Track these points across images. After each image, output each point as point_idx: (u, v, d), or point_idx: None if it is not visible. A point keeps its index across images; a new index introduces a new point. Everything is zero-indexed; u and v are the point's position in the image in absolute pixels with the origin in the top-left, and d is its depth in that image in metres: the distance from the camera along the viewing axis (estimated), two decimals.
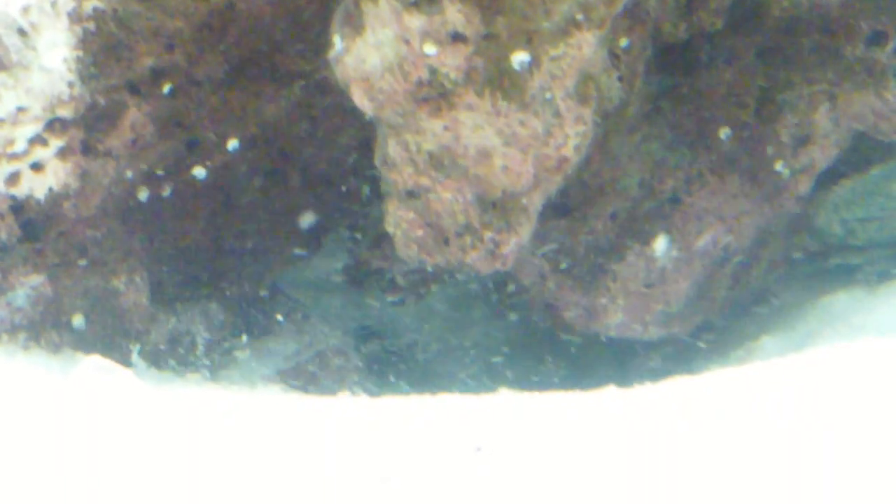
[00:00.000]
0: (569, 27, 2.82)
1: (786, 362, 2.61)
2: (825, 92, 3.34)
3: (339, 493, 2.17)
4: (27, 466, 2.26)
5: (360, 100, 2.95)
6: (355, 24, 2.90)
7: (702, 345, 3.64)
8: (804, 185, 3.48)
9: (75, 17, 3.05)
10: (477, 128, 2.91)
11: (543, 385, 3.32)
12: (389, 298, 3.86)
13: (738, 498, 2.03)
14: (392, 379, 3.97)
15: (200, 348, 3.56)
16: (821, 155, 3.43)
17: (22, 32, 3.04)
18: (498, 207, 3.03)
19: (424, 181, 3.01)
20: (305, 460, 2.30)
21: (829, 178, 3.67)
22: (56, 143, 3.14)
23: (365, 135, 3.24)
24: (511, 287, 3.61)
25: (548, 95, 2.90)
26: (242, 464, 2.30)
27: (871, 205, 3.84)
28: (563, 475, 2.17)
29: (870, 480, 2.03)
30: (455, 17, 2.79)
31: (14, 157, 3.14)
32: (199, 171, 3.35)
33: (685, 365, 3.41)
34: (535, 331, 3.82)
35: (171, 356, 3.49)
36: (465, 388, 3.75)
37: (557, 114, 2.92)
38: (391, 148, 3.02)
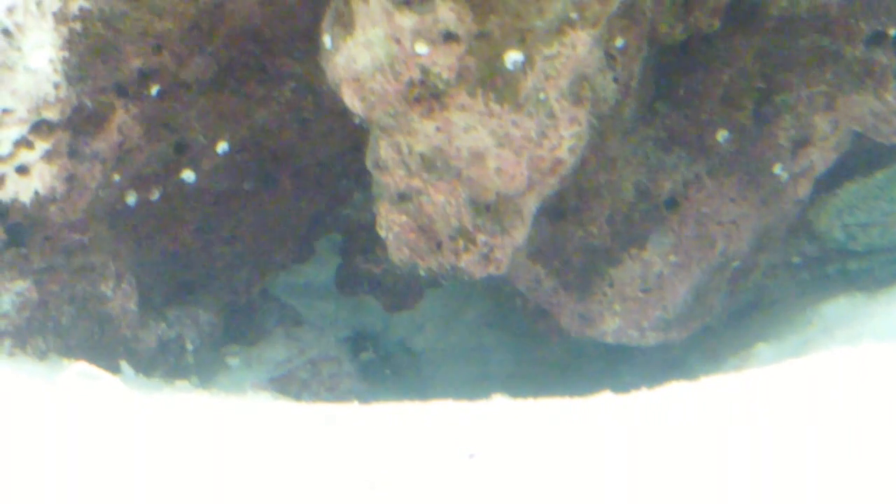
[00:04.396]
0: (563, 26, 2.78)
1: (783, 368, 2.58)
2: (824, 93, 3.31)
3: (327, 500, 2.13)
4: (8, 475, 2.22)
5: (350, 100, 2.91)
6: (346, 24, 2.86)
7: None
8: (803, 189, 3.45)
9: (61, 17, 3.02)
10: (470, 129, 2.88)
11: None
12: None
13: None
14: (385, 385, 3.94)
15: (190, 355, 3.53)
16: (820, 158, 3.40)
17: (6, 33, 3.00)
18: (491, 210, 3.00)
19: (416, 183, 2.98)
20: (294, 466, 2.28)
21: (832, 181, 3.64)
22: (42, 145, 3.11)
23: (357, 137, 3.21)
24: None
25: (542, 96, 2.86)
26: (230, 471, 2.26)
27: (874, 209, 3.80)
28: (558, 483, 2.14)
29: (868, 487, 2.00)
30: (447, 15, 2.75)
31: None
32: (188, 175, 3.32)
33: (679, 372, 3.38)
34: None
35: (160, 363, 3.45)
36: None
37: (551, 114, 2.88)
38: (383, 150, 2.98)
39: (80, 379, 2.84)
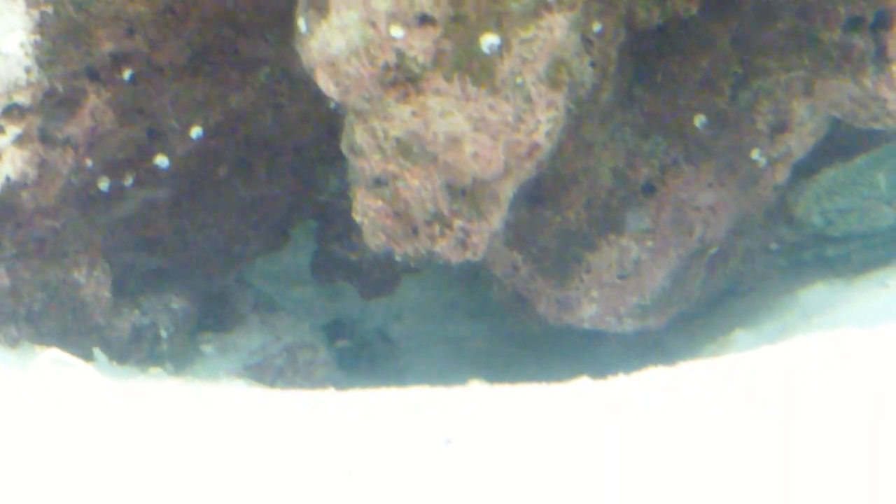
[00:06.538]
0: (539, 9, 2.77)
1: (761, 354, 2.57)
2: (802, 79, 3.30)
3: (302, 487, 2.12)
4: None
5: (325, 85, 2.90)
6: (320, 7, 2.85)
7: None
8: (781, 174, 3.44)
9: (32, 0, 2.99)
10: (446, 113, 2.86)
11: None
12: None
13: (709, 492, 1.99)
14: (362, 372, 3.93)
15: (164, 342, 3.51)
16: (798, 143, 3.39)
17: None
18: (468, 195, 2.98)
19: (392, 168, 2.96)
20: (269, 454, 2.26)
21: (810, 167, 3.63)
22: (13, 130, 3.09)
23: (332, 122, 3.19)
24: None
25: (518, 80, 2.85)
26: (204, 459, 2.25)
27: (854, 195, 3.80)
28: (534, 468, 2.13)
29: (845, 475, 1.99)
30: None
31: None
32: (161, 160, 3.30)
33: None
34: None
35: (134, 350, 3.43)
36: None
37: (528, 99, 2.87)
38: (358, 135, 2.97)
39: (52, 366, 2.83)
